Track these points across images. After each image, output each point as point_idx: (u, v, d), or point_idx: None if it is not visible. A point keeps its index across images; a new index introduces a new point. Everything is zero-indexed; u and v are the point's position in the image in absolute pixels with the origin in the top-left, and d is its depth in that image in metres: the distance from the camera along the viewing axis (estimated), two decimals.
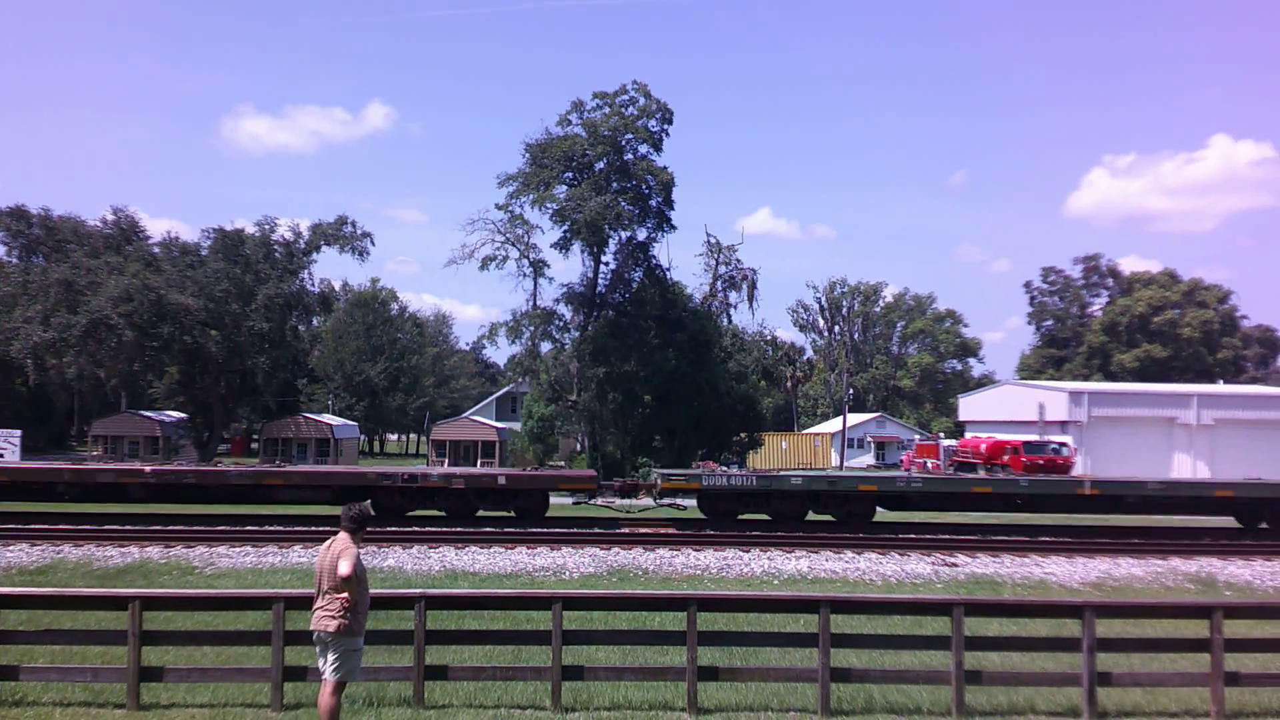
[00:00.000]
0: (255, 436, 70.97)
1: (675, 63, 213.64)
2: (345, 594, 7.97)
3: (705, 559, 19.56)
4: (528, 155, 49.43)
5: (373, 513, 8.49)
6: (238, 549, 19.91)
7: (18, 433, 43.72)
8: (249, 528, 22.75)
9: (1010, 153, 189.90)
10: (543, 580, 17.74)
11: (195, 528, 22.72)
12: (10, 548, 19.58)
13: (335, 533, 8.42)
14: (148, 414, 57.27)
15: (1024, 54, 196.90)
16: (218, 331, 49.48)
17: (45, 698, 9.33)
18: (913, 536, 22.70)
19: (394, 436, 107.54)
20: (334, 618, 7.98)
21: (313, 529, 22.07)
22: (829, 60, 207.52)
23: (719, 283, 57.20)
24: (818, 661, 9.34)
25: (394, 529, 22.47)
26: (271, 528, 22.73)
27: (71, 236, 52.83)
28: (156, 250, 52.74)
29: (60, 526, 22.31)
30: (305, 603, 8.66)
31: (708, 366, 48.58)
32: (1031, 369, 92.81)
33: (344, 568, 7.92)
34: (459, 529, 22.88)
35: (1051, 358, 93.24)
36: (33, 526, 22.23)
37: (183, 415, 59.48)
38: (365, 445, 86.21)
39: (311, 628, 8.14)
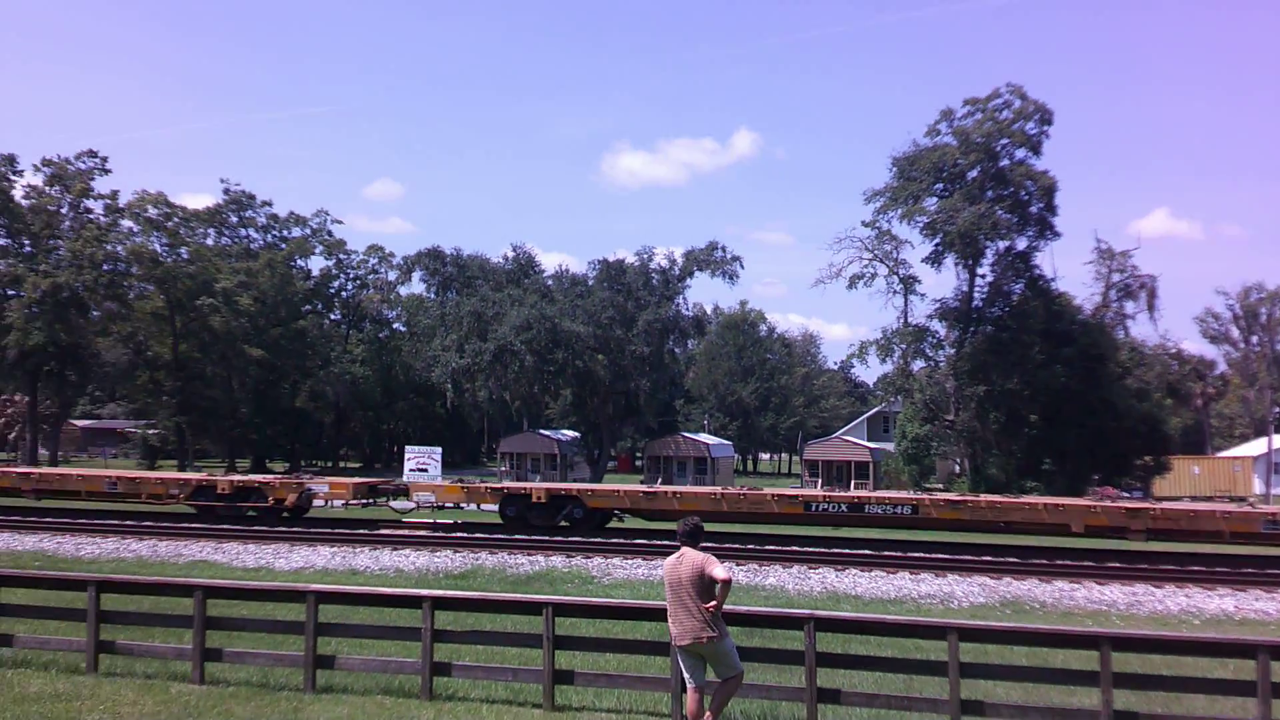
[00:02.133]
0: (638, 454, 74.95)
1: (1049, 58, 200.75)
2: (714, 601, 8.29)
3: (1111, 594, 17.91)
4: (895, 169, 48.58)
5: (702, 527, 8.84)
6: (630, 561, 21.00)
7: (438, 450, 49.20)
8: (638, 541, 23.92)
9: None
10: (929, 608, 17.07)
11: (593, 539, 24.26)
12: (437, 554, 21.98)
13: (678, 548, 8.75)
14: (546, 433, 62.27)
15: None
16: (604, 356, 52.86)
17: (473, 694, 10.22)
18: None
19: (766, 456, 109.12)
20: (710, 626, 8.30)
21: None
22: (1231, 33, 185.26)
23: (1112, 292, 52.65)
24: (1254, 713, 8.20)
25: (774, 547, 22.63)
26: (659, 542, 23.76)
27: (479, 272, 58.77)
28: (550, 282, 57.41)
29: (477, 535, 24.76)
30: None
31: (1102, 383, 44.85)
32: None
33: (722, 572, 8.28)
34: (836, 549, 22.64)
35: None
36: (455, 535, 24.85)
37: (575, 434, 64.05)
38: (740, 464, 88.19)
39: (682, 642, 8.41)
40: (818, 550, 22.35)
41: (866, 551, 22.50)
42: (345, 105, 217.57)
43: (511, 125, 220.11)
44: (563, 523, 25.93)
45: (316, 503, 29.09)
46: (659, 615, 10.41)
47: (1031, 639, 11.07)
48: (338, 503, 28.51)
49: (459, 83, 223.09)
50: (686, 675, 8.60)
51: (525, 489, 26.70)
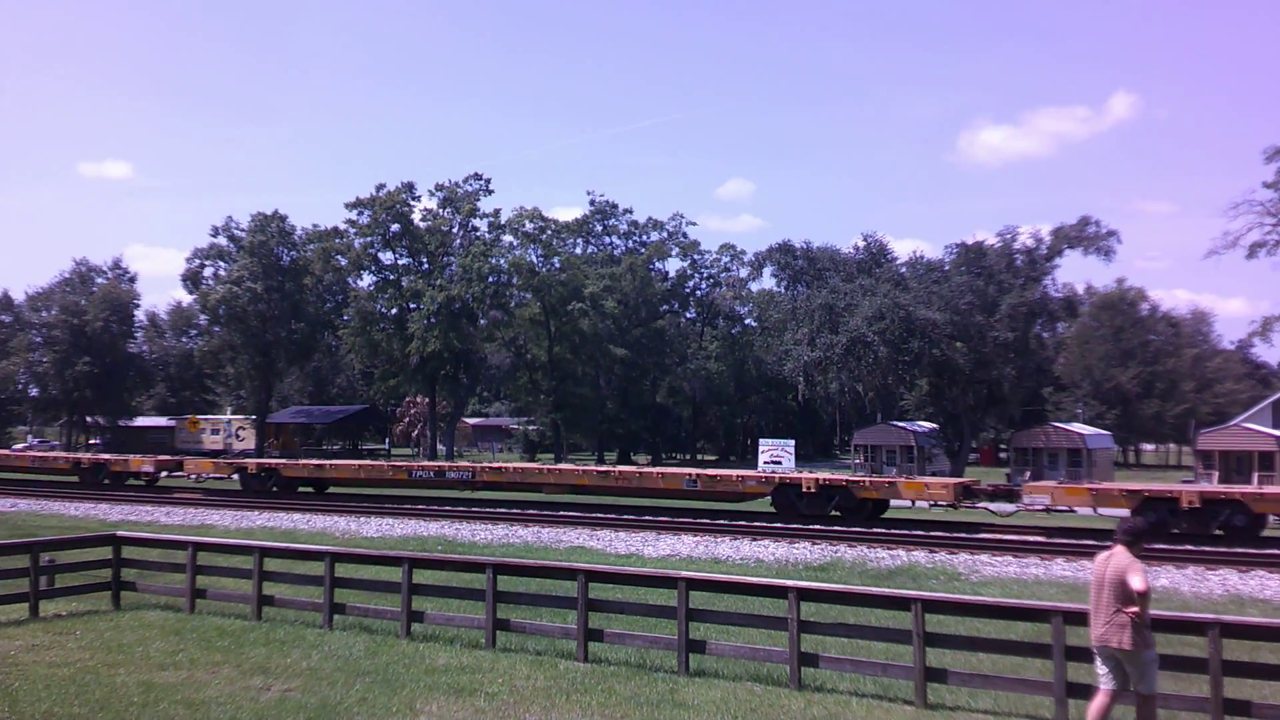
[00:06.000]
0: (1003, 446, 71.16)
1: None
2: (1136, 608, 7.86)
3: None
4: None
5: (1149, 528, 8.15)
6: (999, 558, 20.00)
7: (791, 442, 49.49)
8: (1009, 538, 22.75)
9: None
10: None
11: (957, 535, 23.38)
12: (796, 545, 22.11)
13: (1107, 546, 8.34)
14: (902, 424, 60.68)
15: None
16: (963, 344, 50.68)
17: (841, 687, 10.14)
18: None
19: (1150, 446, 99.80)
20: (1126, 632, 7.90)
21: (1081, 542, 21.37)
22: None
23: None
24: None
25: (1162, 546, 20.64)
26: (1032, 539, 22.48)
27: (829, 264, 58.49)
28: (903, 270, 55.90)
29: (834, 528, 24.63)
30: (1081, 617, 8.68)
31: None
32: None
33: (1138, 583, 7.85)
34: (1239, 549, 20.24)
35: None
36: (812, 528, 24.87)
37: (933, 426, 61.95)
38: (1120, 456, 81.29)
39: (1096, 643, 8.13)
40: (1217, 550, 20.11)
41: (1273, 551, 19.94)
42: (698, 111, 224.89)
43: (861, 113, 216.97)
44: (273, 488, 33.89)
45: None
46: (1033, 615, 9.97)
47: None
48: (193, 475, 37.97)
49: (807, 76, 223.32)
50: (1100, 675, 8.20)
51: (246, 464, 35.90)
